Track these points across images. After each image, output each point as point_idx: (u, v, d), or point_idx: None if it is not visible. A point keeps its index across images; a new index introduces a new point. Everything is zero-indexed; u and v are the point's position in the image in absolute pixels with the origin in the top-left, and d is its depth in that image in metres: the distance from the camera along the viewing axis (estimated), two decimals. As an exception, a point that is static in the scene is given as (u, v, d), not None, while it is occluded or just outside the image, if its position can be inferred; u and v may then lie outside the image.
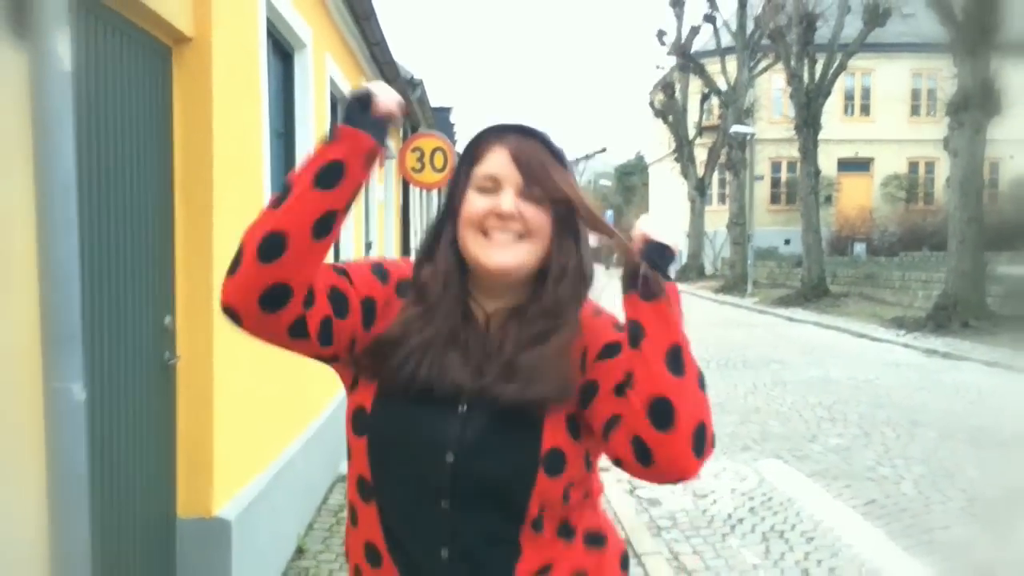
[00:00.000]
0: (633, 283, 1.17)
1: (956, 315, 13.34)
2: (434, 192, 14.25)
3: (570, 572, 1.25)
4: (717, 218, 30.79)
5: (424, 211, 13.27)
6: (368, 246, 7.47)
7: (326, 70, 5.26)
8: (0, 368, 1.65)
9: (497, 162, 1.23)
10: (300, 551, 4.09)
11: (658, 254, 1.17)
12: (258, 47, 3.62)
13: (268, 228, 1.11)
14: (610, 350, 1.24)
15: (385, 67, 7.32)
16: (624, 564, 1.35)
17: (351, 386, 1.27)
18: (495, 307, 1.26)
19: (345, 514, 1.31)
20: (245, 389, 3.33)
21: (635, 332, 1.16)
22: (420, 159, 9.58)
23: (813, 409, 7.96)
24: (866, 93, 33.26)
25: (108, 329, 2.38)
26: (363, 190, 1.19)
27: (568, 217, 1.24)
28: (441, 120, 17.39)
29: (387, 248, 9.30)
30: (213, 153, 2.99)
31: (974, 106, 12.96)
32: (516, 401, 1.18)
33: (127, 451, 2.55)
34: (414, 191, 12.09)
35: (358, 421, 1.22)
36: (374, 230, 7.92)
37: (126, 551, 2.59)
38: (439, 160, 9.70)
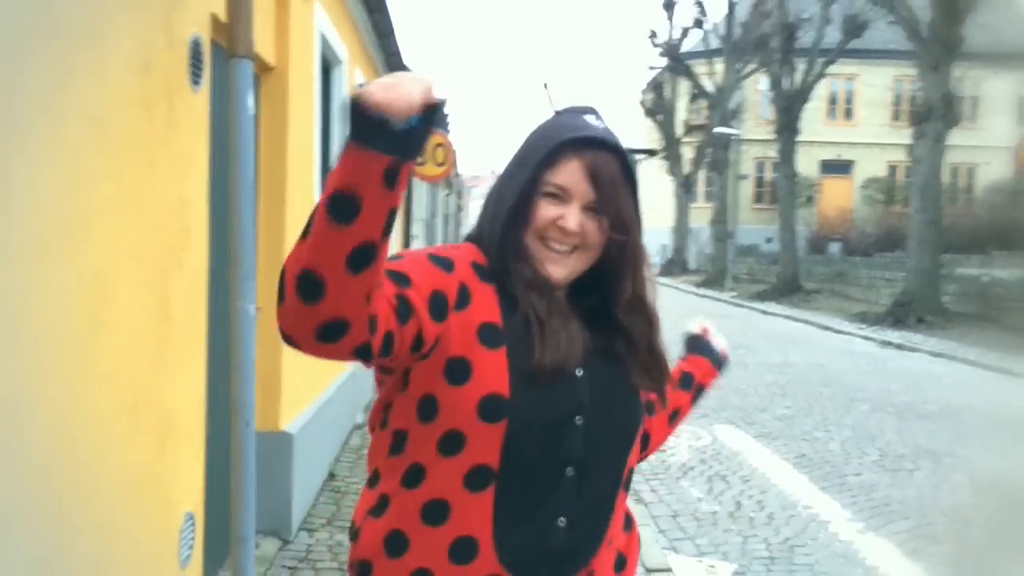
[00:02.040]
0: (710, 354, 1.70)
1: (913, 311, 14.42)
2: (435, 184, 15.19)
3: (621, 529, 1.38)
4: (702, 215, 31.85)
5: (426, 202, 14.16)
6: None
7: (355, 81, 6.23)
8: (198, 294, 2.64)
9: (571, 175, 1.23)
10: (332, 475, 5.08)
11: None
12: (314, 69, 4.60)
13: (301, 265, 0.98)
14: None
15: (393, 60, 8.28)
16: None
17: (435, 386, 1.20)
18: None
19: (390, 515, 1.24)
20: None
21: (695, 390, 1.63)
22: (423, 154, 10.53)
23: (768, 386, 9.01)
24: (849, 97, 34.32)
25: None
26: (400, 207, 1.04)
27: (621, 228, 1.28)
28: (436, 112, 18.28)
29: (392, 235, 10.25)
30: (287, 155, 3.97)
31: (936, 117, 14.00)
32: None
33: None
34: (416, 184, 13.03)
35: (491, 409, 1.17)
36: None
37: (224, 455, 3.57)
38: (440, 155, 10.66)
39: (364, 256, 0.98)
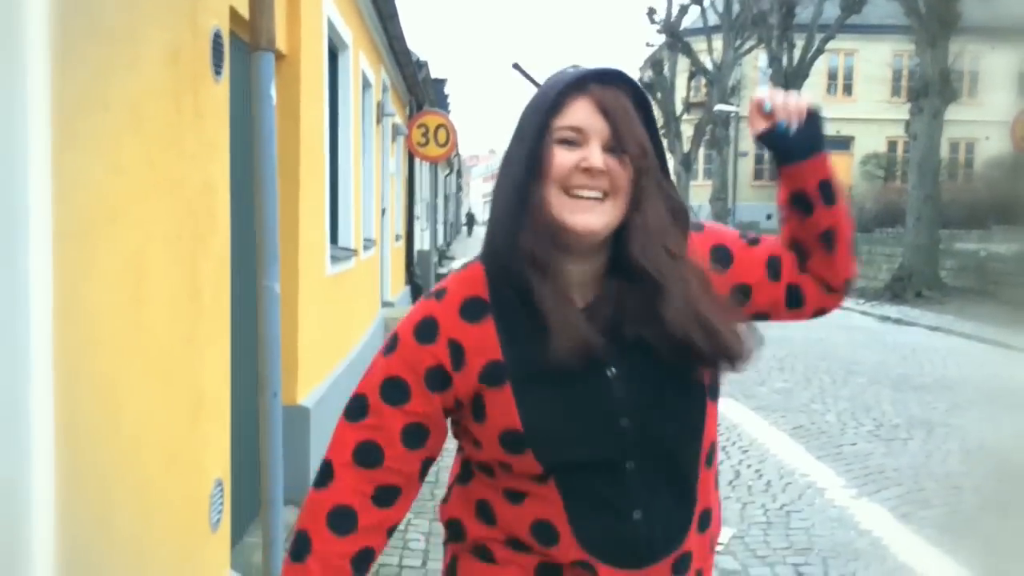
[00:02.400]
0: (788, 153, 1.28)
1: (911, 286, 14.59)
2: (436, 165, 15.32)
3: (717, 517, 1.30)
4: (702, 192, 31.96)
5: (428, 182, 14.35)
6: (383, 211, 8.59)
7: (360, 65, 6.36)
8: (223, 274, 2.80)
9: (582, 113, 1.15)
10: (345, 448, 5.27)
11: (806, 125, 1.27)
12: (323, 55, 4.73)
13: (329, 507, 1.21)
14: (719, 254, 1.29)
15: (400, 56, 8.39)
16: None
17: (465, 419, 1.23)
18: (580, 268, 1.20)
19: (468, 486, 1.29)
20: (317, 316, 4.49)
21: (803, 200, 1.29)
22: (425, 135, 10.66)
23: (767, 361, 9.17)
24: (849, 73, 34.32)
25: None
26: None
27: (646, 170, 1.17)
28: (437, 92, 18.37)
29: (396, 211, 10.41)
30: (300, 139, 4.11)
31: (933, 93, 14.10)
32: (702, 354, 1.16)
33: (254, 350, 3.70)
34: (419, 163, 13.15)
35: (511, 442, 1.16)
36: (387, 197, 9.03)
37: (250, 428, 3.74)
38: (442, 136, 10.78)
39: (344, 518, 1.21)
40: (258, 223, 2.60)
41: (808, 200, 1.29)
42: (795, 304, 1.32)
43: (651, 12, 29.30)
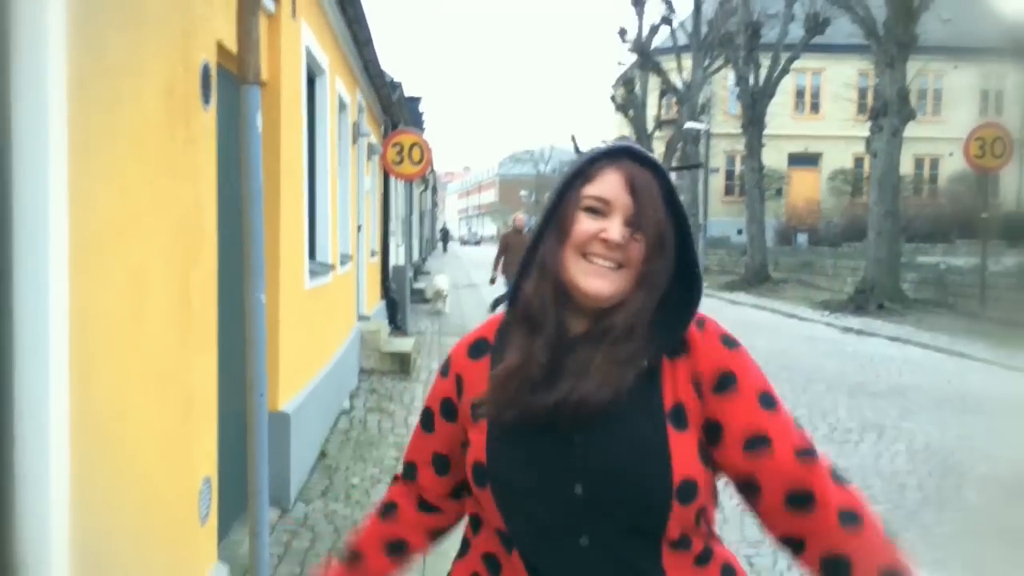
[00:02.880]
0: None
1: (873, 298, 15.02)
2: (412, 183, 15.58)
3: None
4: (674, 208, 32.43)
5: (403, 199, 14.56)
6: (359, 228, 8.84)
7: (336, 88, 6.63)
8: (211, 286, 3.06)
9: (610, 185, 1.20)
10: (323, 454, 5.50)
11: None
12: (301, 81, 5.00)
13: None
14: (726, 381, 1.22)
15: (375, 78, 8.67)
16: None
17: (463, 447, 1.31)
18: (583, 328, 1.23)
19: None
20: (296, 327, 4.74)
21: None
22: (400, 153, 10.94)
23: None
24: (816, 91, 35.07)
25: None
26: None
27: (659, 254, 1.21)
28: (412, 111, 18.64)
29: (372, 227, 10.66)
30: (280, 161, 4.37)
31: (892, 112, 14.60)
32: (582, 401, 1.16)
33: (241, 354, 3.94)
34: (394, 181, 13.41)
35: (477, 474, 1.22)
36: (362, 214, 9.28)
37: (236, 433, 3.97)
38: (416, 154, 11.06)
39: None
40: (245, 239, 2.86)
41: None
42: (749, 491, 1.23)
43: (622, 32, 29.81)
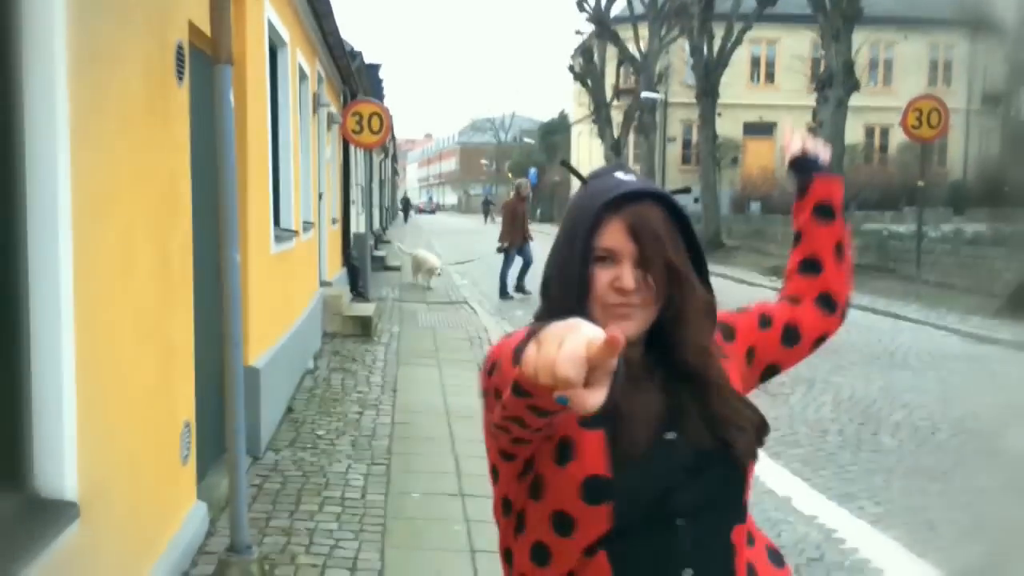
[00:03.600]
0: (810, 165, 1.57)
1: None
2: (372, 151, 15.75)
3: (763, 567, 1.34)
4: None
5: (364, 168, 14.74)
6: (320, 196, 9.11)
7: (297, 60, 6.87)
8: (187, 248, 3.38)
9: (615, 235, 1.24)
10: (290, 409, 5.84)
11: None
12: (264, 55, 5.26)
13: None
14: (727, 332, 1.42)
15: (335, 49, 8.90)
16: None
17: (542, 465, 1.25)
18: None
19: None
20: (264, 289, 5.06)
21: (828, 208, 1.56)
22: (359, 122, 11.15)
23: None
24: (771, 61, 35.64)
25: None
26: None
27: (677, 284, 1.26)
28: (371, 78, 18.75)
29: (333, 196, 10.91)
30: (247, 133, 4.66)
31: (837, 84, 15.12)
32: (748, 453, 1.25)
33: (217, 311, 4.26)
34: (354, 150, 13.61)
35: (593, 489, 1.20)
36: (323, 183, 9.54)
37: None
38: (375, 123, 11.28)
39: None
40: (220, 204, 3.18)
41: (833, 209, 1.57)
42: (791, 341, 1.50)
43: (581, 1, 29.99)
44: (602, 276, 1.24)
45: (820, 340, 1.56)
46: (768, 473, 4.97)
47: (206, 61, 3.70)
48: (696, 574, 1.23)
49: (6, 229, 2.19)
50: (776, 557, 1.37)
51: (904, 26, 34.30)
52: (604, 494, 1.19)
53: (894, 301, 12.54)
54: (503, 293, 13.56)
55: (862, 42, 29.19)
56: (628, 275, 1.23)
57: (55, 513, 2.25)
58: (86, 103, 2.41)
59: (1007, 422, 6.02)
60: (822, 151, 1.60)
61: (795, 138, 1.60)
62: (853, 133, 35.88)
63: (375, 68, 22.55)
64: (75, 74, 2.32)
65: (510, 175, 57.16)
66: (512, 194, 14.51)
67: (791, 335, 1.49)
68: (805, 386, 7.16)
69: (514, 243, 13.74)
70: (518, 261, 13.77)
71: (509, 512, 1.31)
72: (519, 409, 1.03)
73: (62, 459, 2.29)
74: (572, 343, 0.87)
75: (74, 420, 2.34)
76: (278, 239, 5.64)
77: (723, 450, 1.24)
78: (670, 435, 1.24)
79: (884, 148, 36.47)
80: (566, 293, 1.25)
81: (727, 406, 1.26)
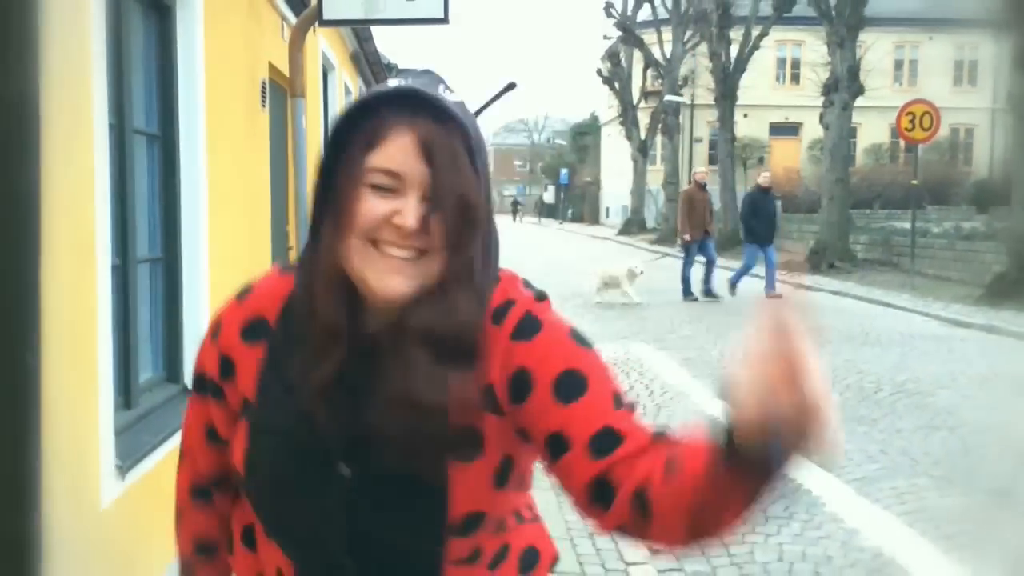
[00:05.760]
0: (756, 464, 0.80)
1: (825, 258, 16.59)
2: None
3: None
4: (659, 177, 33.95)
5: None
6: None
7: (343, 79, 8.11)
8: (266, 233, 4.64)
9: (400, 154, 0.91)
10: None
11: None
12: (319, 82, 6.49)
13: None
14: (572, 386, 0.96)
15: (373, 65, 10.15)
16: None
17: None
18: (378, 325, 0.97)
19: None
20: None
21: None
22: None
23: (682, 317, 11.09)
24: (796, 63, 36.34)
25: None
26: None
27: (468, 227, 0.94)
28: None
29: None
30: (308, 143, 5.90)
31: (842, 88, 16.05)
32: (404, 465, 0.95)
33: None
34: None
35: (240, 481, 1.06)
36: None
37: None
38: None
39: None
40: (292, 201, 4.40)
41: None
42: (600, 499, 0.93)
43: (608, 6, 31.08)
44: (377, 205, 0.93)
45: (622, 532, 0.95)
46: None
47: (278, 90, 4.93)
48: None
49: (169, 214, 3.42)
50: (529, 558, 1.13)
51: (929, 27, 34.84)
52: (244, 487, 1.07)
53: (889, 292, 13.49)
54: (687, 293, 12.63)
55: (889, 45, 29.77)
56: (413, 208, 0.92)
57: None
58: (215, 127, 3.64)
59: (943, 385, 7.07)
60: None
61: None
62: (879, 133, 36.65)
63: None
64: (210, 108, 3.55)
65: (543, 176, 58.26)
66: (691, 183, 13.37)
67: (604, 492, 0.93)
68: (779, 358, 8.23)
69: (694, 237, 12.72)
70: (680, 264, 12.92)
71: None
72: None
73: (203, 362, 3.52)
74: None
75: (208, 339, 3.56)
76: (329, 229, 6.90)
77: (417, 498, 0.99)
78: (345, 468, 1.00)
79: (909, 148, 36.96)
80: (323, 224, 0.97)
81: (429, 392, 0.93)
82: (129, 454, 2.65)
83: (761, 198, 12.49)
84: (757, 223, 12.39)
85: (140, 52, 3.19)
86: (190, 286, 3.49)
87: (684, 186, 29.82)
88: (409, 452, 0.95)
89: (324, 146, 0.99)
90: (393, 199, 0.93)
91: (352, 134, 0.96)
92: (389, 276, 0.93)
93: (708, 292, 12.54)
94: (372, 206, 0.92)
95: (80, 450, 2.33)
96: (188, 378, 3.51)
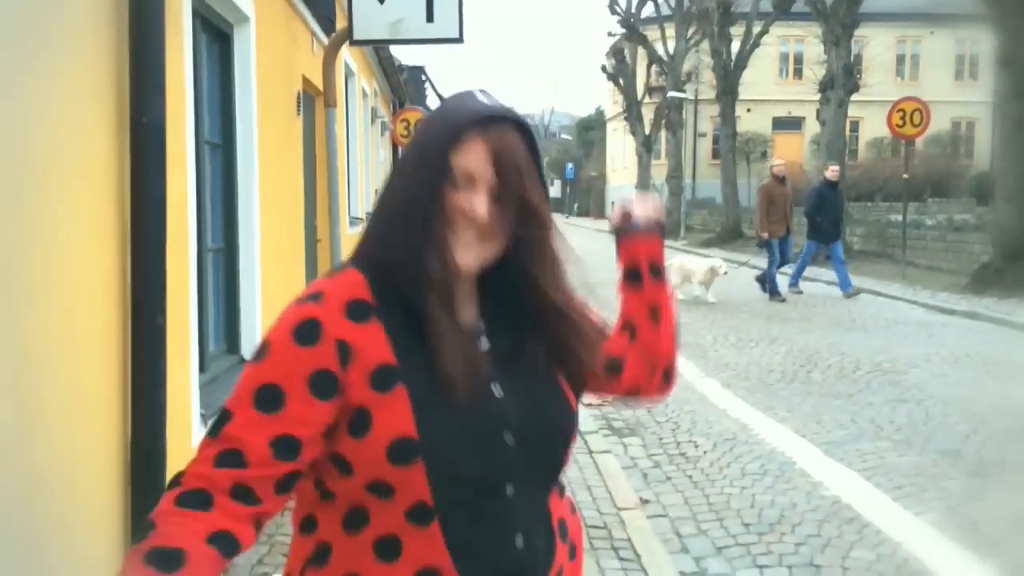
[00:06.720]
0: (642, 274, 1.41)
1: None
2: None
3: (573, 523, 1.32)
4: (663, 171, 34.47)
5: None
6: (376, 191, 10.99)
7: (361, 83, 8.72)
8: (300, 227, 5.25)
9: (475, 158, 1.14)
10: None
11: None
12: (342, 84, 7.11)
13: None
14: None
15: (388, 69, 10.76)
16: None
17: (338, 443, 1.13)
18: (462, 285, 1.22)
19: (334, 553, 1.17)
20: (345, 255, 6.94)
21: (636, 272, 1.41)
22: (407, 128, 13.02)
23: (679, 307, 11.66)
24: (799, 58, 36.77)
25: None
26: None
27: (532, 220, 1.19)
28: (415, 81, 20.59)
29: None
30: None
31: (838, 85, 16.58)
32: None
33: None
34: (402, 151, 15.50)
35: (400, 452, 1.10)
36: (379, 180, 11.41)
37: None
38: (420, 128, 13.15)
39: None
40: (323, 198, 5.01)
41: (639, 273, 1.42)
42: (613, 371, 1.36)
43: (612, 3, 31.56)
44: (457, 199, 1.15)
45: (634, 391, 1.43)
46: (723, 400, 6.63)
47: (309, 98, 5.54)
48: (526, 540, 1.19)
49: (229, 215, 4.03)
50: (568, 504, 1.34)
51: (930, 21, 35.21)
52: (413, 454, 1.10)
53: (880, 281, 14.05)
54: (773, 292, 12.03)
55: (888, 39, 30.05)
56: (482, 203, 1.15)
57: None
58: (264, 135, 4.25)
59: (916, 364, 7.65)
60: (647, 211, 1.44)
61: (616, 210, 1.47)
62: (882, 127, 36.96)
63: (419, 70, 24.39)
64: (260, 119, 4.16)
65: (549, 170, 58.72)
66: (768, 177, 12.60)
67: (614, 366, 1.37)
68: (768, 342, 8.84)
69: (774, 234, 12.12)
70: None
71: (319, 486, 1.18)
72: None
73: (255, 335, 4.13)
74: None
75: (260, 314, 4.17)
76: (352, 222, 7.50)
77: (551, 413, 1.22)
78: (496, 388, 1.18)
79: (912, 141, 37.33)
80: (410, 223, 1.15)
81: (586, 347, 1.25)
82: (209, 407, 3.26)
83: (830, 193, 11.68)
84: (823, 219, 11.65)
85: (206, 74, 3.80)
86: (246, 273, 4.10)
87: (687, 180, 30.54)
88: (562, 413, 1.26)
89: (413, 143, 1.21)
90: (468, 194, 1.15)
91: (442, 142, 1.16)
92: (460, 252, 1.16)
93: (773, 292, 11.94)
94: (454, 200, 1.15)
95: (178, 399, 2.95)
96: (244, 350, 4.12)
